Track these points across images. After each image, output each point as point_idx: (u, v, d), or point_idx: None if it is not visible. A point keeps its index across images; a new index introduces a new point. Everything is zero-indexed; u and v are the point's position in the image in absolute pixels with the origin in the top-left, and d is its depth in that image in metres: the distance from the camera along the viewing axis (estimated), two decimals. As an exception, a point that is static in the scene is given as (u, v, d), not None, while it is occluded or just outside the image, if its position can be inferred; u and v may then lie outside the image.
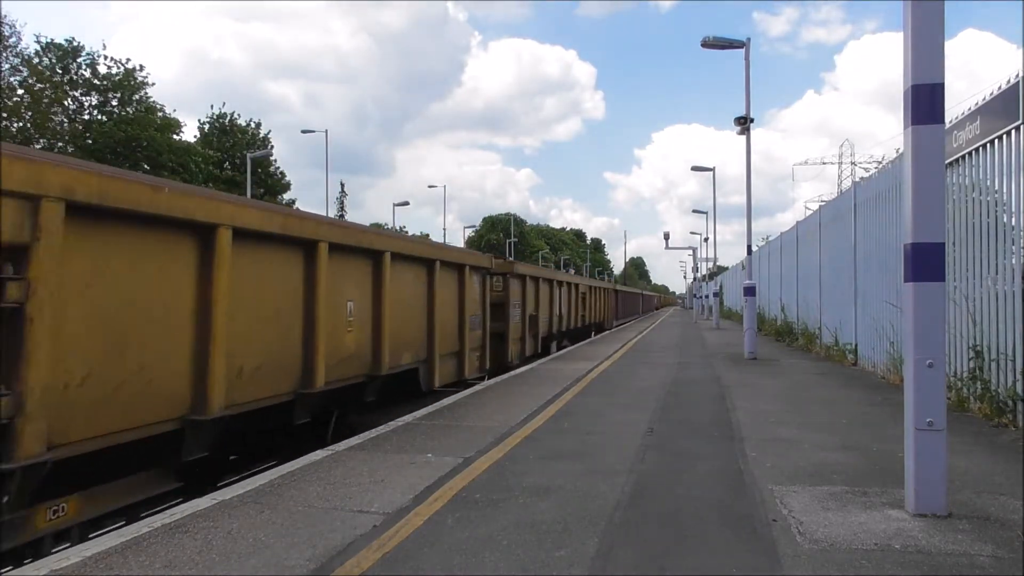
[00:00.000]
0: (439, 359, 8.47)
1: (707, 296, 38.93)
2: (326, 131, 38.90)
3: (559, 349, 16.51)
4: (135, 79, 38.79)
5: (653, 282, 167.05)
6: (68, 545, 3.74)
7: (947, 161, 7.10)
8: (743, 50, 14.00)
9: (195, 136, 45.46)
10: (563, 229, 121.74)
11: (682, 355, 13.93)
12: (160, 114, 39.91)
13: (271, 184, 46.99)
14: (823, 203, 17.17)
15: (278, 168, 48.98)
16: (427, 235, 67.94)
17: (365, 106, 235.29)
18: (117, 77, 38.08)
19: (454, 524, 3.51)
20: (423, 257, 8.20)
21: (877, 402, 7.45)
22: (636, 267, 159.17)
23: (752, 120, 14.21)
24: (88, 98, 37.94)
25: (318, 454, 5.10)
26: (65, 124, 36.61)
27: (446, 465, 4.73)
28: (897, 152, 11.98)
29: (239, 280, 4.80)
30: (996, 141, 6.39)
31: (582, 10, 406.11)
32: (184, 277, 4.45)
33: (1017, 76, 5.92)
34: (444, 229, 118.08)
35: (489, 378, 10.14)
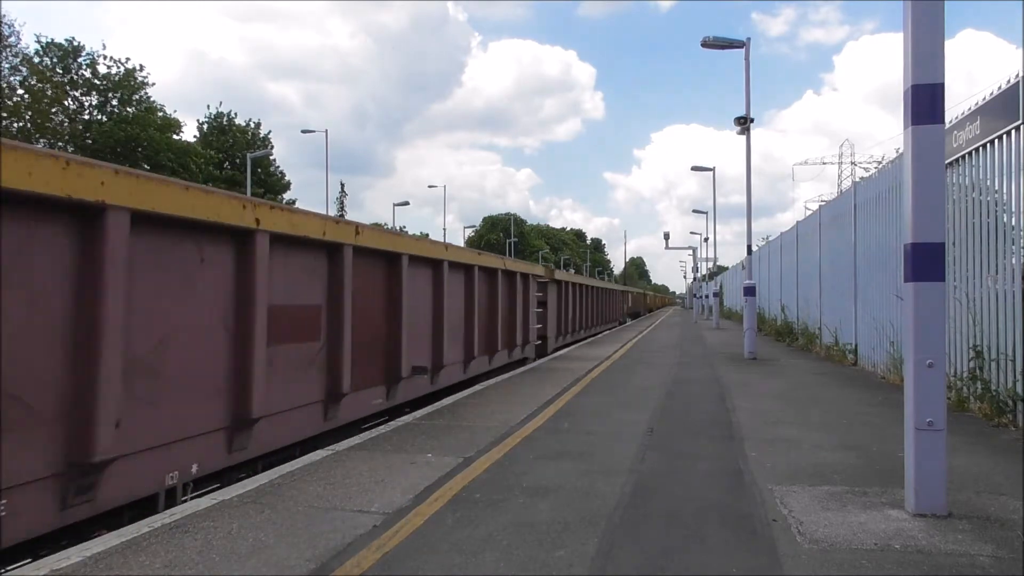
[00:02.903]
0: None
1: (707, 296, 38.91)
2: (326, 131, 38.92)
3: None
4: (135, 79, 38.87)
5: (653, 282, 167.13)
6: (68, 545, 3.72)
7: (947, 161, 7.10)
8: (743, 50, 14.01)
9: (194, 136, 45.53)
10: (563, 229, 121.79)
11: (682, 355, 13.93)
12: (160, 114, 39.96)
13: (271, 184, 47.01)
14: (823, 203, 17.17)
15: (278, 168, 49.03)
16: (427, 235, 68.17)
17: (365, 106, 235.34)
18: (117, 77, 38.15)
19: (454, 524, 3.51)
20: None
21: (877, 402, 7.45)
22: (636, 267, 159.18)
23: (752, 120, 14.22)
24: (88, 98, 38.00)
25: (318, 454, 5.10)
26: (65, 124, 36.64)
27: (446, 465, 4.73)
28: (897, 152, 12.00)
29: None
30: (996, 141, 6.39)
31: (582, 10, 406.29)
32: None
33: (1017, 76, 5.92)
34: (444, 229, 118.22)
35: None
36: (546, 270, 14.85)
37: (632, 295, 44.94)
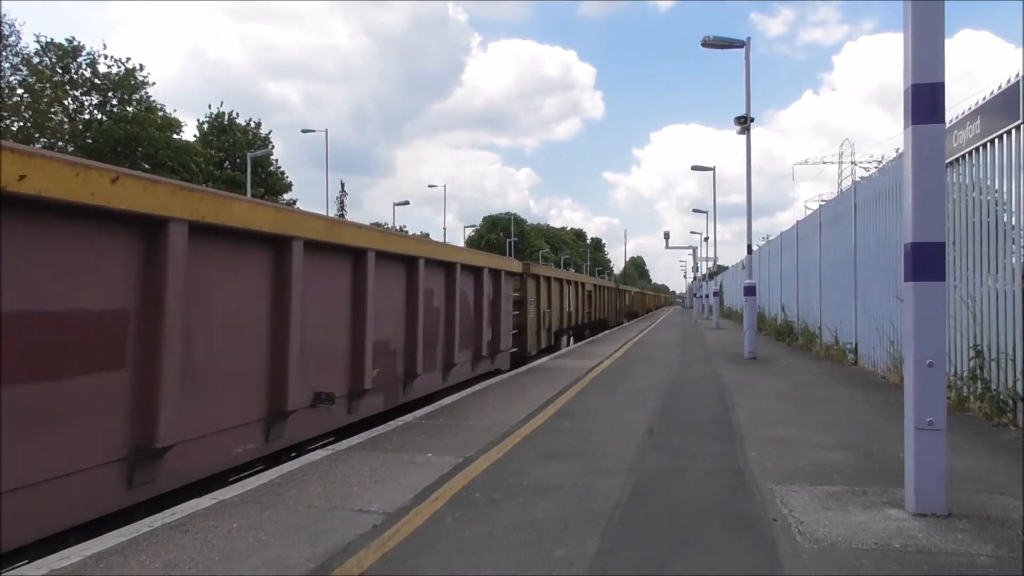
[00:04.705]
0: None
1: (707, 296, 38.88)
2: (326, 131, 38.93)
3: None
4: (135, 78, 38.89)
5: (653, 281, 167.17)
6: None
7: (947, 160, 7.09)
8: (743, 49, 14.00)
9: (195, 136, 45.52)
10: (563, 229, 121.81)
11: (682, 354, 13.93)
12: (160, 113, 39.96)
13: (272, 184, 46.99)
14: (823, 203, 17.17)
15: (279, 168, 49.01)
16: (427, 234, 68.19)
17: (365, 106, 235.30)
18: (117, 76, 38.15)
19: (454, 523, 3.51)
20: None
21: (877, 402, 7.44)
22: (636, 267, 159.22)
23: (752, 119, 14.21)
24: (88, 97, 38.00)
25: (318, 454, 5.10)
26: (65, 124, 36.64)
27: (446, 464, 4.73)
28: (897, 152, 11.99)
29: None
30: (996, 140, 6.39)
31: (582, 10, 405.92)
32: None
33: (1017, 75, 5.92)
34: (444, 229, 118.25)
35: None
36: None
37: (599, 292, 25.32)
